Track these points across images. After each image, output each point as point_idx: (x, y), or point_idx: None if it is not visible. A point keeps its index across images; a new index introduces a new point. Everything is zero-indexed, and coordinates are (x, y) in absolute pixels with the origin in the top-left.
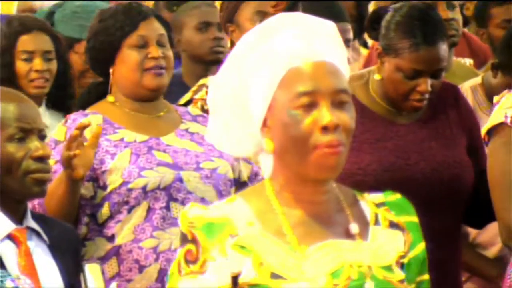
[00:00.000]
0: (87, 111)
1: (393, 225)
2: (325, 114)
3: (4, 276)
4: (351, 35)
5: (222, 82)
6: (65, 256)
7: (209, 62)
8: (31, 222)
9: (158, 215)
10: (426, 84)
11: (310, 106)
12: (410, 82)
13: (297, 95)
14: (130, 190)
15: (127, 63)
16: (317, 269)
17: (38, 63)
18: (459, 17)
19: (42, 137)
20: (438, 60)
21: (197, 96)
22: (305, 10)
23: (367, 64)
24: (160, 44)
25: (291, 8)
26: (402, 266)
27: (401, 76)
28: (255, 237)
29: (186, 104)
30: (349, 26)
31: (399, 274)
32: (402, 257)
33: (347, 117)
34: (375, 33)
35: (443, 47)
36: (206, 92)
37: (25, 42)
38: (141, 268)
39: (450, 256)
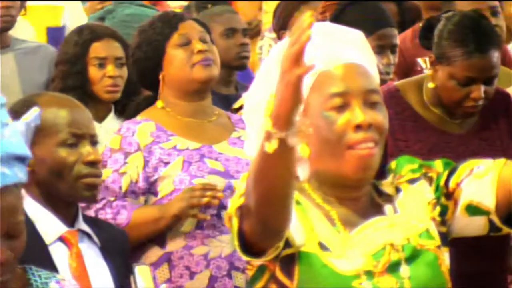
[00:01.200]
0: (138, 118)
1: (411, 181)
2: (358, 114)
3: (48, 278)
4: (397, 40)
5: (255, 92)
6: (115, 258)
7: (234, 68)
8: (82, 225)
9: (209, 223)
10: (479, 91)
11: (343, 107)
12: (463, 89)
13: (330, 96)
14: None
15: (174, 63)
16: (359, 250)
17: (111, 69)
18: (502, 23)
19: (94, 142)
20: (490, 68)
21: None
22: (352, 17)
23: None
24: (202, 40)
25: (338, 15)
26: (438, 203)
27: (455, 84)
28: (308, 206)
29: (240, 108)
30: (395, 32)
31: (435, 240)
32: (436, 199)
33: (380, 116)
34: (428, 42)
35: (495, 55)
36: None
37: (97, 49)
38: (192, 275)
39: (499, 268)
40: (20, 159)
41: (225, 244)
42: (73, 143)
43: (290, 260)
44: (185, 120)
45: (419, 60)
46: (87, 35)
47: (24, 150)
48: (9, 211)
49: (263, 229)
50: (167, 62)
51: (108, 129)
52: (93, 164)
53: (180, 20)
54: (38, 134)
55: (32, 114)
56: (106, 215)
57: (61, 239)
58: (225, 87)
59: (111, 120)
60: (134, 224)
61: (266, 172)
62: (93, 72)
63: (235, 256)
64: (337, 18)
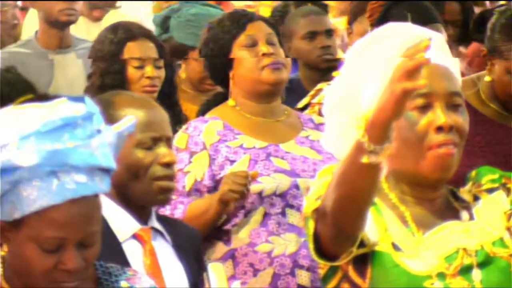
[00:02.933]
0: (207, 116)
1: (490, 190)
2: (440, 115)
3: (119, 275)
4: (445, 36)
5: (335, 89)
6: (188, 255)
7: (323, 70)
8: (155, 223)
9: (273, 221)
10: None
11: (425, 108)
12: None
13: (413, 96)
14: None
15: (243, 64)
16: (432, 252)
17: (149, 70)
18: None
19: (170, 145)
20: None
21: (314, 101)
22: (397, 15)
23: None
24: (269, 43)
25: (384, 15)
26: None
27: (510, 78)
28: (383, 206)
29: (304, 107)
30: (441, 27)
31: (509, 248)
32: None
33: (461, 119)
34: (480, 36)
35: None
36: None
37: (132, 49)
38: (255, 272)
39: None
40: (104, 170)
41: (289, 242)
42: (150, 145)
43: (363, 259)
44: (254, 119)
45: None
46: (122, 34)
47: (109, 162)
48: (86, 220)
49: (337, 233)
50: (237, 62)
51: None
52: (168, 165)
53: (249, 20)
54: None
55: (127, 123)
56: (165, 211)
57: (135, 236)
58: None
59: None
60: (190, 216)
61: (351, 181)
62: (132, 72)
63: (299, 254)
64: (383, 18)
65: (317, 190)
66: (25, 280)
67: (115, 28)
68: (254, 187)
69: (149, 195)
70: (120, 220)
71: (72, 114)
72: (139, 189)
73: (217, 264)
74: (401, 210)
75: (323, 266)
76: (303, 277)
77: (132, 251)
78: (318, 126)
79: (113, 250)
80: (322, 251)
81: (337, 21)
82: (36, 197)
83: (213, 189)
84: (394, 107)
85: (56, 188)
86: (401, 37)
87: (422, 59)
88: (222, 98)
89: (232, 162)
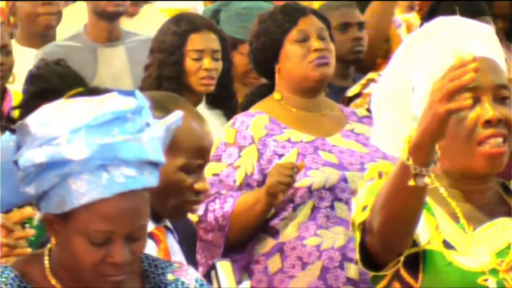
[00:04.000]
0: (252, 110)
1: None
2: (488, 109)
3: (165, 267)
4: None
5: (383, 84)
6: (191, 252)
7: (350, 62)
8: (167, 221)
9: (322, 214)
10: None
11: (473, 102)
12: None
13: (460, 91)
14: (295, 189)
15: (290, 58)
16: (484, 248)
17: (207, 62)
18: None
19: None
20: None
21: (366, 91)
22: (446, 9)
23: None
24: (320, 38)
25: (433, 9)
26: None
27: None
28: (433, 204)
29: (354, 97)
30: (490, 20)
31: None
32: None
33: (509, 112)
34: None
35: None
36: None
37: (195, 41)
38: (304, 265)
39: None
40: (153, 163)
41: (338, 235)
42: (193, 171)
43: (415, 259)
44: (299, 113)
45: None
46: (185, 25)
47: (158, 156)
48: (134, 214)
49: (384, 250)
50: (283, 56)
51: None
52: (200, 193)
53: (301, 15)
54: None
55: (174, 117)
56: (215, 205)
57: (150, 235)
58: (342, 79)
59: (201, 110)
60: (239, 210)
61: (397, 203)
62: (190, 64)
63: (347, 248)
64: (432, 12)
65: (365, 198)
66: (72, 273)
67: (178, 19)
68: (303, 181)
69: (171, 213)
70: None
71: (122, 108)
72: (165, 205)
73: (225, 262)
74: (451, 206)
75: None
76: (352, 270)
77: (148, 249)
78: (361, 119)
79: None
80: (369, 257)
81: (408, 17)
82: (85, 190)
83: (262, 183)
84: (438, 128)
85: (106, 182)
86: (452, 29)
87: (466, 79)
88: (266, 90)
89: (280, 156)
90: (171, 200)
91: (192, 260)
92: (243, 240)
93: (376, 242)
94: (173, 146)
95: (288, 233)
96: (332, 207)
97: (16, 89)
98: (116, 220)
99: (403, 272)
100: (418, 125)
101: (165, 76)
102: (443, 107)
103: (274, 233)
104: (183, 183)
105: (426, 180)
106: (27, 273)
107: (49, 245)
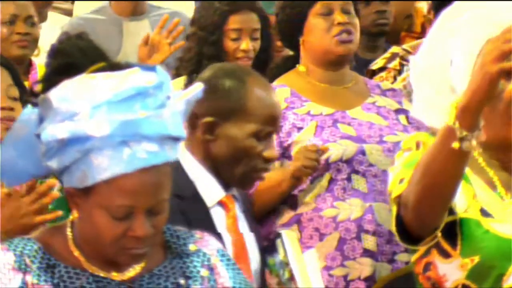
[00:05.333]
0: (274, 83)
1: None
2: None
3: (187, 238)
4: None
5: (421, 59)
6: (253, 221)
7: (375, 34)
8: (234, 190)
9: (339, 186)
10: None
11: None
12: None
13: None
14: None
15: (314, 32)
16: None
17: (245, 43)
18: None
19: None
20: None
21: (390, 65)
22: None
23: None
24: (345, 12)
25: None
26: None
27: None
28: (470, 173)
29: (378, 70)
30: None
31: None
32: None
33: None
34: None
35: None
36: (399, 63)
37: (235, 21)
38: (321, 236)
39: None
40: (174, 138)
41: (354, 207)
42: (263, 137)
43: (452, 227)
44: (321, 86)
45: None
46: (226, 5)
47: (179, 131)
48: (156, 189)
49: (419, 225)
50: (307, 29)
51: None
52: (269, 161)
53: None
54: (237, 113)
55: (195, 90)
56: None
57: (220, 203)
58: (370, 52)
59: None
60: (262, 188)
61: (439, 169)
62: (229, 44)
63: (364, 219)
64: None
65: (401, 170)
66: (94, 246)
67: None
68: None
69: (240, 181)
70: (208, 186)
71: (144, 83)
72: (234, 172)
73: (291, 231)
74: (489, 175)
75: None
76: (369, 241)
77: (219, 216)
78: (384, 92)
79: (202, 215)
80: (406, 231)
81: None
82: (107, 166)
83: (281, 156)
84: (488, 88)
85: (127, 157)
86: (490, 3)
87: None
88: (292, 62)
89: (299, 129)
90: (241, 167)
91: (255, 229)
92: (264, 215)
93: (411, 217)
94: (245, 113)
95: (306, 204)
96: (349, 179)
97: (41, 63)
98: (137, 195)
99: (441, 240)
100: (466, 88)
101: (205, 55)
102: (495, 66)
103: (292, 204)
104: (254, 149)
105: (471, 144)
106: (50, 245)
107: (70, 217)
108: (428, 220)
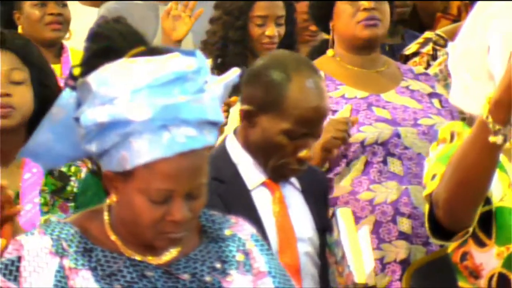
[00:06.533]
0: None
1: None
2: None
3: (222, 223)
4: None
5: (459, 45)
6: (316, 200)
7: (393, 22)
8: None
9: (375, 169)
10: None
11: None
12: None
13: None
14: (349, 144)
15: (341, 16)
16: None
17: (270, 29)
18: None
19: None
20: None
21: (423, 50)
22: None
23: None
24: None
25: None
26: None
27: None
28: (506, 162)
29: (412, 55)
30: None
31: None
32: None
33: None
34: None
35: None
36: (432, 47)
37: (261, 7)
38: (357, 220)
39: None
40: (213, 123)
41: (390, 190)
42: (297, 137)
43: (488, 216)
44: (354, 70)
45: None
46: None
47: (218, 115)
48: (194, 173)
49: (451, 220)
50: (336, 13)
51: None
52: (303, 161)
53: None
54: (273, 108)
55: (232, 75)
56: None
57: (264, 184)
58: (390, 37)
59: None
60: None
61: (472, 163)
62: (254, 29)
63: (400, 202)
64: None
65: (434, 165)
66: (132, 230)
67: None
68: (356, 136)
69: (272, 173)
70: (250, 169)
71: (183, 68)
72: (266, 164)
73: (346, 209)
74: None
75: None
76: (405, 224)
77: (261, 198)
78: (417, 76)
79: (242, 197)
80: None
81: None
82: (146, 150)
83: None
84: None
85: (167, 142)
86: None
87: None
88: (327, 45)
89: (334, 112)
90: (272, 160)
91: (317, 210)
92: None
93: (443, 214)
94: (280, 110)
95: (342, 187)
96: (385, 162)
97: (72, 46)
98: (176, 179)
99: (477, 229)
100: (499, 82)
101: (230, 39)
102: None
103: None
104: (284, 147)
105: (504, 139)
106: (87, 229)
107: (107, 201)
108: (460, 217)
